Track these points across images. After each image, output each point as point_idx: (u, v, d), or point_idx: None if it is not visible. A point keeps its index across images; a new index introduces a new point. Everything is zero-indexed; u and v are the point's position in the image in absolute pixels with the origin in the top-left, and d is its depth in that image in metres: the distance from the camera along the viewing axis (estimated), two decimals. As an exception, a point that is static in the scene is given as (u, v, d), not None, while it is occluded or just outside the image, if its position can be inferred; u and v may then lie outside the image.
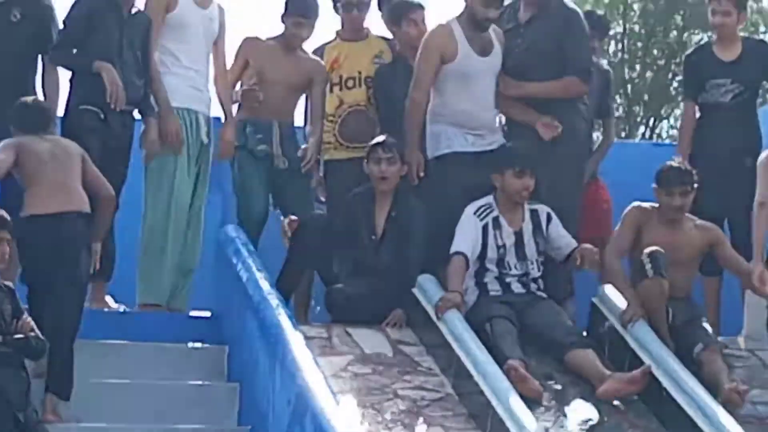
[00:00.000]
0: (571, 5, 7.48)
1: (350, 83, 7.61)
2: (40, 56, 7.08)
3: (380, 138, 7.07)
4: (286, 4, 7.41)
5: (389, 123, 7.34)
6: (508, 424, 5.90)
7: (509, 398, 6.05)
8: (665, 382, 6.36)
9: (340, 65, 7.63)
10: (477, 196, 6.98)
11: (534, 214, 7.01)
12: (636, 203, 7.01)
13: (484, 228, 6.90)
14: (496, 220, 6.91)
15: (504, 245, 6.91)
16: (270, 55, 7.40)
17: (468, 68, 7.13)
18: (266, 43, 7.47)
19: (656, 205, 6.94)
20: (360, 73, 7.59)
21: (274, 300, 6.34)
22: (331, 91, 7.59)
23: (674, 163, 6.97)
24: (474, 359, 6.36)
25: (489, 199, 6.96)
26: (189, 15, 7.11)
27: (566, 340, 6.61)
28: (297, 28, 7.35)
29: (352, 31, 7.70)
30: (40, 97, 6.98)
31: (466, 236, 6.83)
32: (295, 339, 6.06)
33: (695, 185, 6.88)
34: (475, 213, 6.92)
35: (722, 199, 7.35)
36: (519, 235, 6.95)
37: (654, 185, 6.91)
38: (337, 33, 7.78)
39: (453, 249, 6.81)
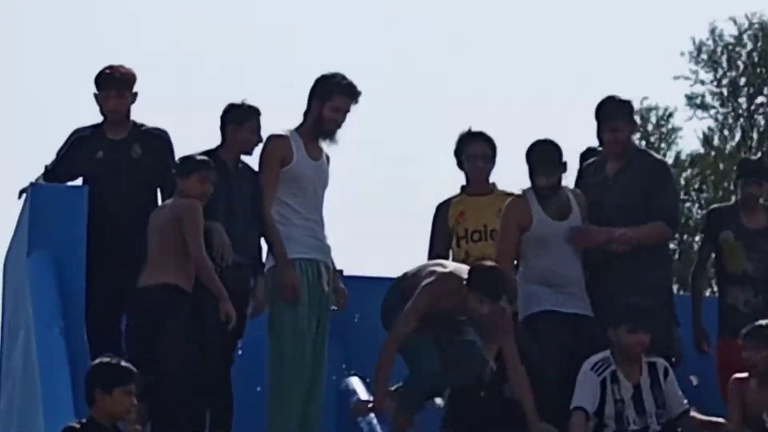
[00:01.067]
0: (658, 157, 7.49)
1: (476, 236, 7.61)
2: (159, 189, 7.34)
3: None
4: None
5: None
6: None
7: None
8: None
9: (466, 219, 7.64)
10: (571, 357, 6.96)
11: (652, 367, 6.94)
12: (735, 376, 6.99)
13: (603, 383, 6.83)
14: (614, 374, 6.85)
15: (622, 399, 6.83)
16: None
17: (544, 233, 7.16)
18: None
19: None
20: (486, 226, 7.57)
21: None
22: (458, 245, 7.61)
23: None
24: None
25: (606, 353, 6.91)
26: (304, 167, 7.23)
27: None
28: None
29: (477, 185, 7.73)
30: None
31: (586, 391, 6.76)
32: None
33: None
34: (592, 369, 6.87)
35: None
36: (638, 389, 6.88)
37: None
38: (462, 188, 7.81)
39: (574, 404, 6.76)
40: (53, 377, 6.56)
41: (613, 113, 7.26)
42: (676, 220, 7.48)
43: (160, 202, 7.34)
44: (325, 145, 7.37)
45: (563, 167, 7.27)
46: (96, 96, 7.38)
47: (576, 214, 7.28)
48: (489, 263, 6.91)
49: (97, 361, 6.19)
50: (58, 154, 7.47)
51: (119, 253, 7.14)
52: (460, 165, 7.77)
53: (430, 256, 7.63)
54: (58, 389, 6.48)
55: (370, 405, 6.97)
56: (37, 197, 7.30)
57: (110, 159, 7.30)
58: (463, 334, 6.97)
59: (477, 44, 37.31)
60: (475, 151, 7.65)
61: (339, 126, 7.27)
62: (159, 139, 7.40)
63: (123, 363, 6.10)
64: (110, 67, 7.39)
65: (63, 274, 7.11)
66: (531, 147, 7.23)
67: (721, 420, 6.98)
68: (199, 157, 7.02)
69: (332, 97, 7.16)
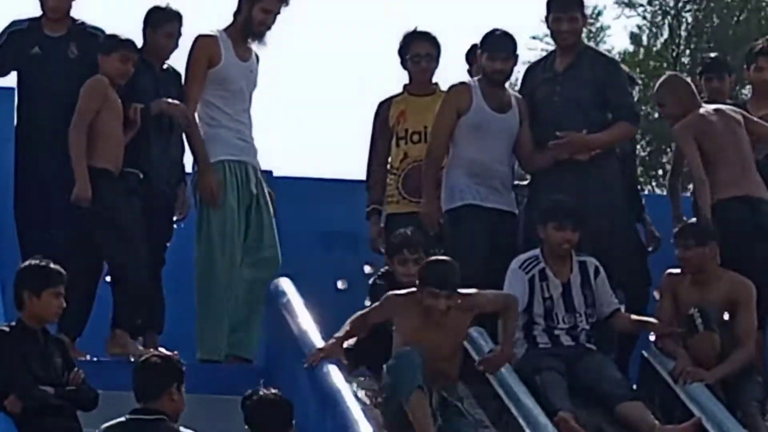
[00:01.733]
0: (609, 54, 7.54)
1: (416, 138, 7.58)
2: None
3: (407, 234, 6.89)
4: None
5: None
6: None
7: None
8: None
9: (406, 119, 7.60)
10: (492, 251, 7.08)
11: (582, 265, 6.99)
12: (669, 271, 7.10)
13: (531, 280, 6.88)
14: (542, 272, 6.91)
15: (551, 297, 6.90)
16: None
17: (480, 121, 7.21)
18: None
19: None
20: (426, 127, 7.51)
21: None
22: (397, 144, 7.60)
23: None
24: (524, 411, 6.35)
25: (536, 252, 6.96)
26: (232, 69, 7.25)
27: (616, 393, 6.61)
28: None
29: (420, 85, 7.69)
30: None
31: (514, 289, 6.79)
32: (345, 392, 6.07)
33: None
34: (520, 267, 6.92)
35: None
36: (567, 287, 6.94)
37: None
38: (405, 87, 7.76)
39: None
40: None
41: (570, 3, 7.34)
42: (638, 116, 7.60)
43: None
44: (254, 46, 7.36)
45: (516, 58, 7.39)
46: None
47: (515, 111, 7.34)
48: (439, 258, 6.51)
49: (26, 263, 6.20)
50: None
51: (49, 151, 7.12)
52: (403, 64, 7.71)
53: (371, 155, 7.65)
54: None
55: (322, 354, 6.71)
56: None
57: (46, 56, 7.25)
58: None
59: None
60: (418, 50, 7.60)
61: (269, 27, 7.28)
62: (97, 39, 7.30)
63: (52, 265, 6.10)
64: None
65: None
66: (488, 33, 7.33)
67: (650, 319, 7.06)
68: (123, 37, 7.02)
69: None
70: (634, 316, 7.05)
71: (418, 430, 6.01)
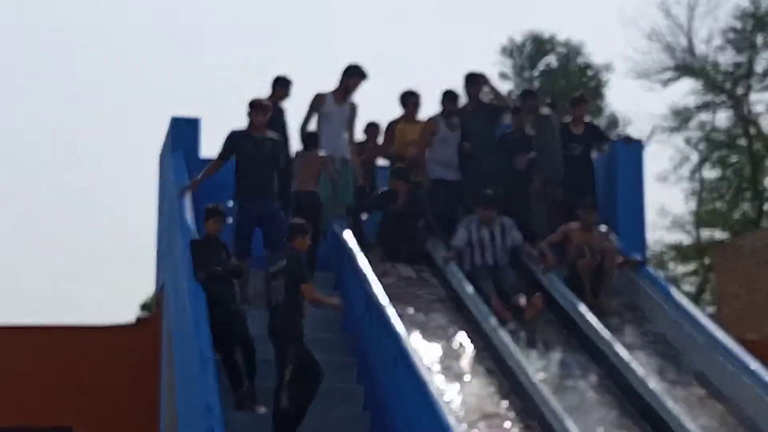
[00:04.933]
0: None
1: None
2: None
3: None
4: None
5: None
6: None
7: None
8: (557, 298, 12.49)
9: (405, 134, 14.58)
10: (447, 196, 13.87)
11: (502, 223, 12.98)
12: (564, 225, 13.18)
13: (469, 228, 12.86)
14: (478, 224, 12.88)
15: (481, 235, 12.81)
16: None
17: (444, 137, 14.17)
18: None
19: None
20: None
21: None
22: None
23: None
24: (473, 300, 12.36)
25: (475, 215, 13.02)
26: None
27: (510, 290, 12.46)
28: None
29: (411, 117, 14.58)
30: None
31: (458, 235, 12.93)
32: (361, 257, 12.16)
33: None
34: (463, 222, 13.00)
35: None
36: (492, 232, 12.84)
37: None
38: (402, 116, 14.64)
39: (451, 244, 12.97)
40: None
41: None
42: None
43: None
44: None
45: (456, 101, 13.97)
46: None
47: (458, 131, 13.91)
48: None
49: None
50: None
51: None
52: (402, 106, 14.58)
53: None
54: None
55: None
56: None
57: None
58: None
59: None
60: (413, 101, 14.48)
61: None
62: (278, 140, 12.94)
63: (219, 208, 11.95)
64: None
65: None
66: (446, 92, 13.92)
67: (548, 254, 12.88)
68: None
69: None
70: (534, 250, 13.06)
71: None
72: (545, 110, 14.02)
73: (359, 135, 14.39)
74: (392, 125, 14.53)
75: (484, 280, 12.48)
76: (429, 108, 15.09)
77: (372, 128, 14.64)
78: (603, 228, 12.95)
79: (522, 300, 12.17)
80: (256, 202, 12.16)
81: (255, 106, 12.45)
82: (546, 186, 13.71)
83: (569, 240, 12.87)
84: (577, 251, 12.65)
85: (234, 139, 12.33)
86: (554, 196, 13.63)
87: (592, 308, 12.08)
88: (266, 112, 12.46)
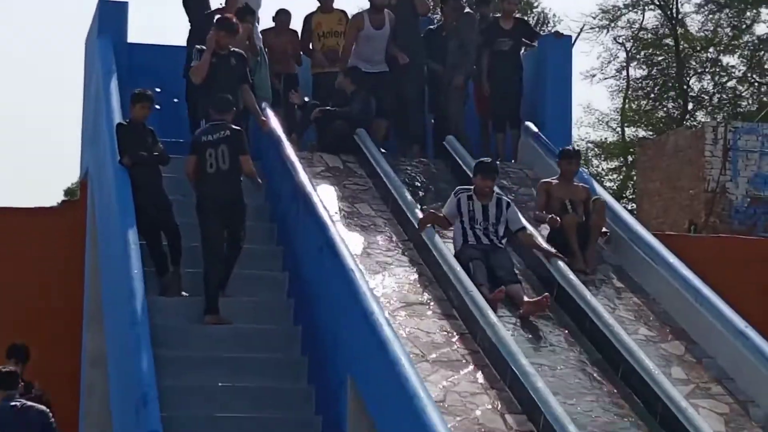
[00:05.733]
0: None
1: (328, 35, 14.50)
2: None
3: None
4: None
5: None
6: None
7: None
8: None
9: (321, 26, 14.53)
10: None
11: (500, 199, 11.08)
12: (543, 180, 11.93)
13: (459, 200, 10.96)
14: (469, 197, 10.96)
15: (473, 210, 10.86)
16: None
17: (369, 35, 13.80)
18: None
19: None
20: (332, 29, 14.47)
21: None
22: (319, 40, 14.48)
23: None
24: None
25: (470, 187, 11.13)
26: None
27: (506, 278, 10.64)
28: None
29: (327, 7, 14.55)
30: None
31: (449, 205, 11.07)
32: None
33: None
34: (456, 192, 11.12)
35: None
36: (486, 207, 10.89)
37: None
38: (318, 8, 14.59)
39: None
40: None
41: None
42: None
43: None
44: None
45: None
46: None
47: (387, 27, 13.78)
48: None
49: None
50: None
51: None
52: None
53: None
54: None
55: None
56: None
57: None
58: None
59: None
60: None
61: None
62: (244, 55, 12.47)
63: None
64: None
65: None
66: None
67: (551, 249, 11.00)
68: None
69: None
70: (535, 241, 11.17)
71: None
72: (466, 9, 14.13)
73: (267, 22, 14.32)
74: (309, 18, 14.45)
75: (476, 261, 10.73)
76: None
77: (283, 15, 14.46)
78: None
79: (518, 293, 10.62)
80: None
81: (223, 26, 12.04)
82: (466, 82, 13.81)
83: (549, 195, 11.68)
84: (560, 206, 11.61)
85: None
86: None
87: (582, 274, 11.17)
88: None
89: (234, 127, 10.99)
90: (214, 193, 10.75)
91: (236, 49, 12.09)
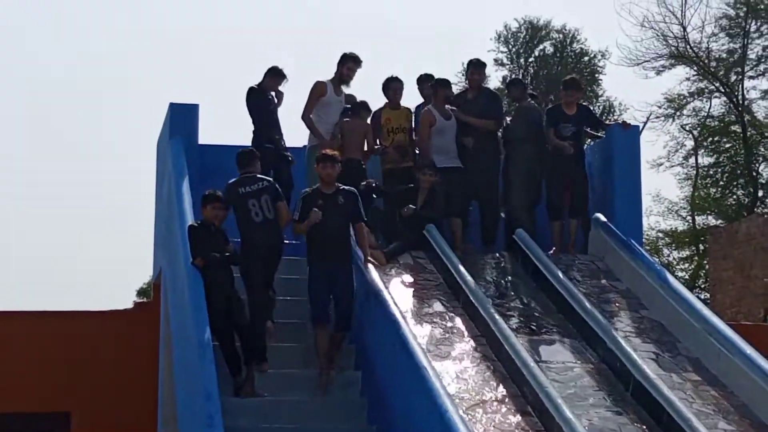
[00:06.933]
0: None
1: (397, 130, 14.50)
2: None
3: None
4: None
5: None
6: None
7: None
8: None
9: (390, 121, 14.54)
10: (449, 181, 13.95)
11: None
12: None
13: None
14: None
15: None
16: None
17: (441, 127, 13.96)
18: None
19: None
20: (401, 125, 14.51)
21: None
22: (388, 134, 14.49)
23: None
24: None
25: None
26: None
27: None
28: None
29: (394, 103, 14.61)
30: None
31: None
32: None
33: None
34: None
35: None
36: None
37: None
38: (385, 104, 14.65)
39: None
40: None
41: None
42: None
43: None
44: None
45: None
46: None
47: (453, 120, 13.93)
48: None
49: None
50: None
51: None
52: (385, 93, 14.56)
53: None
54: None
55: None
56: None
57: None
58: None
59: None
60: (396, 87, 14.44)
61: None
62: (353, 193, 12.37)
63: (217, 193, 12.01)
64: None
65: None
66: (439, 80, 14.16)
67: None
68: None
69: None
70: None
71: None
72: (528, 101, 14.22)
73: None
74: (377, 114, 14.52)
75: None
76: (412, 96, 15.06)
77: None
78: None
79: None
80: None
81: None
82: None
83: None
84: None
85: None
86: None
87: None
88: None
89: (267, 177, 11.91)
90: (264, 241, 11.39)
91: (345, 187, 11.87)
